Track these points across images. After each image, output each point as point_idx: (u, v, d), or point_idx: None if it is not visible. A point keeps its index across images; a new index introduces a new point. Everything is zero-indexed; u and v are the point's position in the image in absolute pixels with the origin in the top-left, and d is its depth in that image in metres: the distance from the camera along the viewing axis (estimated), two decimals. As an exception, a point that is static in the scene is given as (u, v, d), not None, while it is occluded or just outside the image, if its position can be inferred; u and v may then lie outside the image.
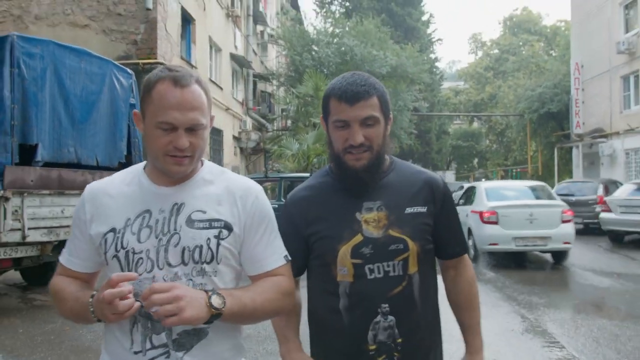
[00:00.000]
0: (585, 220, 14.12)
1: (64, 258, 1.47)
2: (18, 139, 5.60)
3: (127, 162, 7.20)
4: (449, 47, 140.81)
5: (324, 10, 39.87)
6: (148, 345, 1.34)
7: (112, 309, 1.20)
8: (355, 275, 1.55)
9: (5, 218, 5.32)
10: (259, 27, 27.30)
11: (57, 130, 6.04)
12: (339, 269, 1.55)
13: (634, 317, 6.02)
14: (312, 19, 64.54)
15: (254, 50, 25.23)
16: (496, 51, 51.01)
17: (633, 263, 10.03)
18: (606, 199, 12.63)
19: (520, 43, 48.22)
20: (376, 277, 1.55)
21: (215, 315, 1.27)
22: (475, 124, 51.03)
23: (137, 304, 1.21)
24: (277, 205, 10.32)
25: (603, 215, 12.37)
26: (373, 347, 1.55)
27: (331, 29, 27.70)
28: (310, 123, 17.37)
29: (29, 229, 5.58)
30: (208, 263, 1.37)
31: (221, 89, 19.14)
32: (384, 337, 1.55)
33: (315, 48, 24.82)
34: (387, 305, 1.54)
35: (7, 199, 5.33)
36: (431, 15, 45.09)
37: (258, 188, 1.49)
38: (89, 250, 1.42)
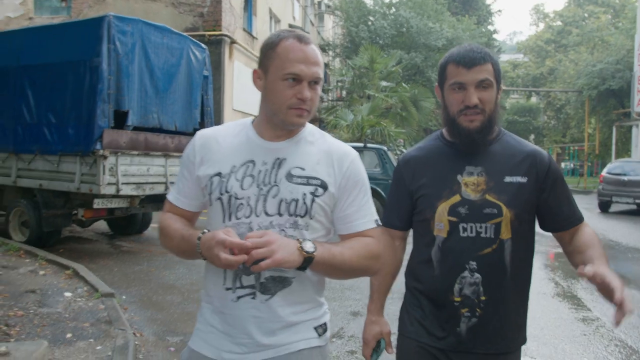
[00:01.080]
0: (637, 201, 14.19)
1: (172, 196, 1.57)
2: (113, 105, 6.48)
3: (201, 128, 8.05)
4: (509, 19, 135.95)
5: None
6: (238, 284, 1.44)
7: (217, 257, 1.31)
8: (449, 231, 1.65)
9: (104, 173, 6.26)
10: (317, -3, 27.68)
11: (143, 98, 6.90)
12: (436, 224, 1.67)
13: (664, 289, 6.44)
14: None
15: (311, 21, 25.73)
16: (559, 23, 49.05)
17: (679, 242, 10.21)
18: (658, 178, 12.66)
19: (586, 15, 46.21)
20: (468, 236, 1.64)
21: (307, 259, 1.35)
22: (533, 99, 49.65)
23: (238, 257, 1.29)
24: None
25: (654, 195, 12.44)
26: (458, 299, 1.65)
27: (387, -1, 27.84)
28: (365, 95, 17.85)
29: (122, 184, 6.51)
30: (302, 217, 1.44)
31: (279, 59, 19.81)
32: (469, 291, 1.64)
33: (372, 19, 25.03)
34: (475, 263, 1.63)
35: (105, 157, 6.26)
36: (491, -15, 43.76)
37: (355, 153, 1.57)
38: (195, 189, 1.51)
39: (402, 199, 1.75)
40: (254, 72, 1.48)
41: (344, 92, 24.79)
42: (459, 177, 1.67)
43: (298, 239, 1.38)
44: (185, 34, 8.45)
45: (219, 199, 1.44)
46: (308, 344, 1.49)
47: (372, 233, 1.53)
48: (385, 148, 11.70)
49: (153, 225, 9.26)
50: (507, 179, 1.66)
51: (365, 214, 1.53)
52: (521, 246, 1.68)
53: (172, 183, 7.30)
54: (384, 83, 18.43)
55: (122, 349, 3.69)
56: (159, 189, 7.18)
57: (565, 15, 48.60)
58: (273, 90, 1.41)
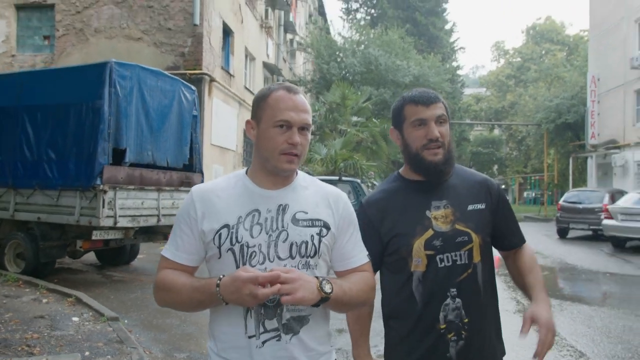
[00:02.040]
0: (591, 227, 15.23)
1: (169, 253, 1.56)
2: (112, 144, 7.02)
3: (190, 164, 8.63)
4: (472, 53, 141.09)
5: (350, 17, 41.23)
6: (261, 330, 1.47)
7: (253, 297, 1.34)
8: (427, 264, 1.74)
9: (103, 207, 6.74)
10: (289, 36, 28.67)
11: (139, 137, 7.45)
12: (414, 260, 1.75)
13: (609, 305, 7.25)
14: (338, 27, 65.79)
15: (283, 58, 26.63)
16: (518, 59, 51.30)
17: (628, 265, 11.09)
18: (609, 207, 13.67)
19: (543, 52, 48.53)
20: (445, 265, 1.74)
21: (324, 298, 1.43)
22: (496, 131, 51.26)
23: (274, 288, 1.35)
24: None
25: (605, 222, 13.43)
26: (443, 326, 1.73)
27: (357, 36, 29.03)
28: (337, 129, 18.64)
29: (119, 216, 7.00)
30: (312, 257, 1.52)
31: (254, 95, 20.54)
32: (452, 317, 1.74)
33: (342, 56, 26.08)
34: (454, 289, 1.74)
35: (105, 192, 6.76)
36: (454, 24, 45.85)
37: (345, 195, 1.68)
38: (196, 245, 1.53)
39: (372, 242, 1.78)
40: (247, 122, 1.57)
41: (314, 127, 25.59)
42: (427, 212, 1.78)
43: (317, 278, 1.46)
44: (166, 72, 9.06)
45: (230, 249, 1.48)
46: None
47: (367, 267, 1.65)
48: (358, 181, 12.46)
49: (140, 256, 9.67)
50: (470, 207, 1.81)
51: (360, 250, 1.65)
52: (488, 266, 1.82)
53: (164, 215, 7.82)
54: (355, 118, 19.31)
55: (139, 362, 4.18)
56: (152, 221, 7.68)
57: (524, 52, 50.89)
58: (265, 137, 1.50)
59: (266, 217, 1.51)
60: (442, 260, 1.75)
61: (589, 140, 24.94)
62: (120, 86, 7.05)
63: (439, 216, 1.78)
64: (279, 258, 1.49)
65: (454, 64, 39.34)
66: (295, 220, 1.53)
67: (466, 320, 1.75)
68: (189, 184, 8.39)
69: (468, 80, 65.82)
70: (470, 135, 46.97)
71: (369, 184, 15.76)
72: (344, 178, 12.28)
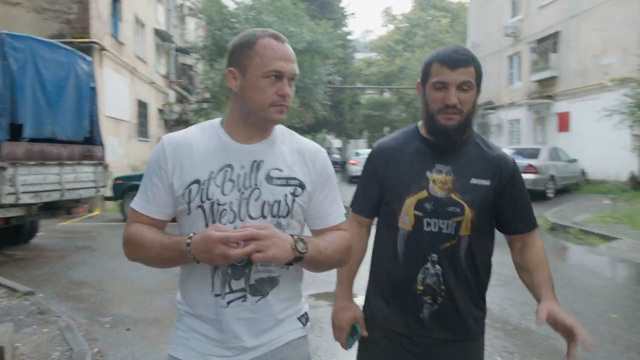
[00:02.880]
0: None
1: (139, 205, 1.48)
2: (9, 119, 6.81)
3: (90, 137, 8.53)
4: (362, 19, 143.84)
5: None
6: (227, 289, 1.43)
7: (224, 257, 1.28)
8: (414, 225, 1.71)
9: (3, 184, 6.59)
10: (179, 0, 27.81)
11: (37, 111, 7.26)
12: (402, 217, 1.73)
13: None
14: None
15: (174, 24, 25.87)
16: (406, 25, 53.21)
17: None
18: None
19: (429, 18, 50.79)
20: (432, 231, 1.70)
21: (297, 257, 1.38)
22: (386, 94, 53.16)
23: (246, 248, 1.28)
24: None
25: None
26: (421, 287, 1.73)
27: (249, 1, 28.77)
28: (234, 97, 18.67)
29: (21, 193, 6.87)
30: (284, 217, 1.46)
31: (146, 63, 19.97)
32: (431, 281, 1.72)
33: (235, 22, 25.83)
34: (436, 255, 1.71)
35: (4, 169, 6.59)
36: (345, -11, 46.61)
37: (323, 150, 1.60)
38: (167, 198, 1.45)
39: (373, 187, 1.79)
40: (229, 72, 1.46)
41: (207, 94, 25.22)
42: (428, 173, 1.72)
43: (292, 235, 1.40)
44: (51, 40, 8.75)
45: (200, 206, 1.41)
46: (295, 334, 1.55)
47: (344, 226, 1.61)
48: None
49: (39, 233, 9.42)
50: (473, 180, 1.72)
51: (337, 208, 1.60)
52: (478, 243, 1.75)
53: (67, 190, 7.74)
54: (251, 85, 19.39)
55: (67, 328, 4.38)
56: (55, 196, 7.57)
57: (411, 18, 52.85)
58: (254, 88, 1.41)
59: (239, 174, 1.44)
60: (428, 224, 1.71)
61: (470, 102, 26.96)
62: (13, 59, 6.81)
63: (438, 180, 1.72)
64: (250, 217, 1.43)
65: (345, 29, 40.16)
66: (269, 178, 1.46)
67: (443, 287, 1.73)
68: (91, 157, 8.33)
69: (359, 45, 67.21)
70: (362, 99, 48.37)
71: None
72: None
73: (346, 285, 1.87)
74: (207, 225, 1.41)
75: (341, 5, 40.74)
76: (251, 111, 1.45)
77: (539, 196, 14.21)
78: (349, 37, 41.07)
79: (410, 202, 1.72)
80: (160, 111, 21.86)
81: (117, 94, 16.17)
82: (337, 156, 42.17)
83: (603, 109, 13.56)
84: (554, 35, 19.72)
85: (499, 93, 24.44)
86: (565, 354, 1.56)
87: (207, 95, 25.15)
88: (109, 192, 10.47)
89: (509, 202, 1.77)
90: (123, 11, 17.38)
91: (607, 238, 8.87)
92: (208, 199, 1.42)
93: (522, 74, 22.49)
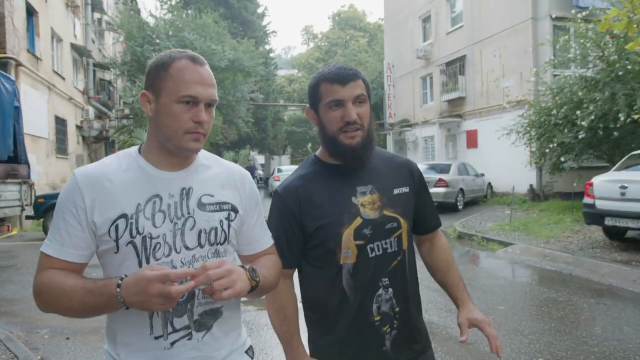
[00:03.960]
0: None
1: (52, 249, 1.32)
2: None
3: (15, 155, 8.55)
4: (284, 35, 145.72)
5: (161, -4, 40.18)
6: (170, 329, 1.33)
7: (163, 298, 1.16)
8: (358, 255, 1.62)
9: None
10: (96, 15, 27.36)
11: (-40, 130, 7.29)
12: (344, 252, 1.61)
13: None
14: (151, 9, 62.99)
15: (92, 39, 25.43)
16: (326, 44, 54.57)
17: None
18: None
19: (347, 37, 52.53)
20: (377, 255, 1.64)
21: (253, 287, 1.33)
22: (309, 111, 54.04)
23: (189, 284, 1.19)
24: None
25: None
26: (378, 318, 1.64)
27: (169, 16, 28.76)
28: (158, 114, 18.73)
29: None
30: (221, 244, 1.40)
31: (63, 79, 19.58)
32: (386, 308, 1.65)
33: (157, 40, 25.77)
34: (386, 279, 1.65)
35: None
36: (266, 8, 47.46)
37: (249, 173, 1.56)
38: (86, 238, 1.32)
39: (292, 235, 1.64)
40: (142, 94, 1.37)
41: (126, 110, 24.87)
42: (353, 199, 1.64)
43: (244, 267, 1.34)
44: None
45: (130, 242, 1.30)
46: None
47: (273, 249, 1.58)
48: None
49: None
50: (395, 191, 1.70)
51: (266, 232, 1.56)
52: (412, 250, 1.75)
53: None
54: (174, 102, 19.53)
55: (8, 339, 4.60)
56: (-22, 215, 7.57)
57: (330, 37, 54.35)
58: (167, 113, 1.33)
59: (169, 203, 1.35)
60: (372, 249, 1.64)
61: (387, 119, 28.41)
62: (-64, 78, 6.83)
63: (366, 202, 1.65)
64: (187, 248, 1.35)
65: (267, 47, 40.85)
66: (201, 205, 1.39)
67: (397, 309, 1.68)
68: (15, 175, 8.35)
69: (280, 61, 68.03)
70: (284, 115, 49.05)
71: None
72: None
73: (295, 347, 1.68)
74: (140, 263, 1.31)
75: (263, 23, 41.42)
76: (166, 137, 1.35)
77: (451, 208, 15.40)
78: (270, 54, 41.80)
79: (347, 234, 1.62)
80: (79, 128, 21.40)
81: (34, 111, 15.81)
82: (260, 172, 42.47)
83: (502, 127, 14.97)
84: (461, 59, 21.34)
85: (414, 111, 25.92)
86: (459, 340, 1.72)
87: (127, 111, 24.85)
88: (29, 211, 10.37)
89: (421, 203, 1.80)
90: (39, 26, 17.06)
91: (504, 244, 9.95)
92: (139, 233, 1.31)
93: (434, 94, 24.03)
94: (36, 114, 16.06)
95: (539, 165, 14.47)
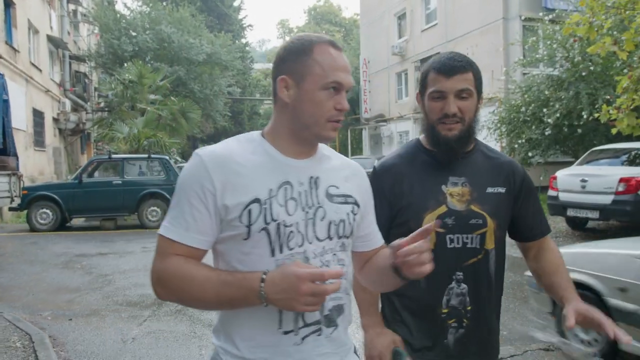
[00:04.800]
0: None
1: (177, 234, 1.23)
2: None
3: (4, 148, 8.74)
4: (259, 29, 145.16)
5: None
6: (300, 324, 1.27)
7: (313, 297, 1.13)
8: (436, 243, 1.60)
9: None
10: (71, 6, 27.14)
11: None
12: None
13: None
14: (126, 1, 62.41)
15: (68, 31, 25.27)
16: (302, 38, 55.06)
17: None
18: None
19: (323, 32, 52.96)
20: (455, 247, 1.62)
21: None
22: (285, 105, 54.21)
23: (337, 284, 1.18)
24: (121, 181, 12.21)
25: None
26: (445, 310, 1.63)
27: (146, 9, 28.71)
28: (137, 108, 18.87)
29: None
30: (347, 237, 1.36)
31: (40, 71, 19.53)
32: (456, 302, 1.63)
33: (134, 33, 25.76)
34: (461, 273, 1.63)
35: None
36: (242, 2, 47.40)
37: (363, 169, 1.52)
38: (211, 224, 1.24)
39: (381, 211, 1.62)
40: (281, 80, 1.29)
41: (102, 104, 24.77)
42: (443, 187, 1.65)
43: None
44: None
45: (264, 229, 1.23)
46: None
47: (385, 246, 1.51)
48: (167, 157, 13.32)
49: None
50: (489, 189, 1.67)
51: (378, 229, 1.53)
52: (501, 255, 1.71)
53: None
54: (152, 96, 19.70)
55: (16, 319, 4.92)
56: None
57: (306, 31, 54.94)
58: (311, 100, 1.27)
59: (299, 191, 1.30)
60: (452, 240, 1.63)
61: (362, 114, 28.95)
62: None
63: (455, 193, 1.65)
64: (318, 239, 1.30)
65: (243, 40, 40.96)
66: (329, 196, 1.34)
67: (469, 308, 1.65)
68: (5, 167, 8.56)
69: (255, 54, 67.79)
70: (261, 109, 49.22)
71: (174, 160, 16.59)
72: (153, 156, 13.02)
73: (372, 313, 1.71)
74: (272, 251, 1.24)
75: (239, 17, 41.51)
76: (305, 125, 1.30)
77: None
78: (247, 48, 41.92)
79: (429, 219, 1.60)
80: (56, 120, 21.34)
81: (13, 103, 15.74)
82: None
83: (475, 123, 15.54)
84: (435, 56, 21.92)
85: (390, 107, 26.49)
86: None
87: (102, 104, 24.80)
88: (17, 202, 10.55)
89: (524, 209, 1.74)
90: (17, 17, 17.01)
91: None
92: (273, 219, 1.24)
93: (409, 89, 24.63)
94: (15, 106, 15.93)
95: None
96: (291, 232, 1.25)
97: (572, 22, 8.24)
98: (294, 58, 1.29)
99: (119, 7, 30.16)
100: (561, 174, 9.20)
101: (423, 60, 22.76)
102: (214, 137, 38.61)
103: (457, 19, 20.48)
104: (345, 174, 1.41)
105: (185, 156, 28.85)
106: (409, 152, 1.75)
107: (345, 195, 1.37)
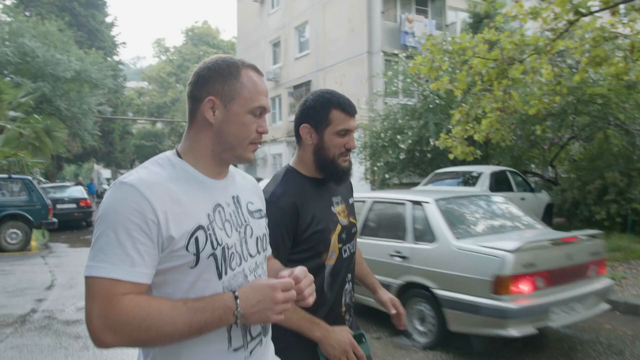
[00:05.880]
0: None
1: (122, 272, 1.12)
2: None
3: None
4: (134, 46, 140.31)
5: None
6: (248, 338, 1.31)
7: (285, 305, 1.22)
8: (337, 257, 1.84)
9: None
10: None
11: None
12: (330, 254, 1.81)
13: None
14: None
15: None
16: (178, 58, 53.97)
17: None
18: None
19: (201, 53, 52.35)
20: (347, 256, 1.89)
21: None
22: (159, 125, 52.79)
23: (294, 292, 1.26)
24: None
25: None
26: (343, 309, 1.91)
27: (6, 18, 26.88)
28: (-5, 125, 17.72)
29: None
30: (265, 250, 1.44)
31: None
32: (348, 299, 1.93)
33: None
34: (350, 274, 1.93)
35: None
36: (115, 18, 46.06)
37: None
38: (156, 256, 1.17)
39: (287, 238, 1.73)
40: (209, 101, 1.29)
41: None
42: (332, 208, 1.87)
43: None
44: None
45: (212, 254, 1.24)
46: None
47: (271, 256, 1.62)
48: (30, 178, 12.81)
49: None
50: (351, 200, 2.01)
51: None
52: None
53: None
54: (12, 113, 18.61)
55: None
56: None
57: (183, 52, 53.89)
58: (237, 123, 1.29)
59: (229, 212, 1.33)
60: (345, 251, 1.88)
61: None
62: None
63: (340, 211, 1.89)
64: (251, 256, 1.35)
65: (116, 57, 39.68)
66: (250, 213, 1.40)
67: (353, 300, 1.98)
68: None
69: (129, 71, 65.57)
70: (133, 128, 47.67)
71: (37, 181, 15.82)
72: (14, 176, 12.46)
73: (319, 323, 1.75)
74: (219, 275, 1.25)
75: (112, 33, 40.16)
76: (228, 147, 1.32)
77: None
78: (120, 66, 40.61)
79: (334, 238, 1.82)
80: None
81: None
82: (106, 186, 40.87)
83: (342, 148, 16.70)
84: (307, 84, 23.11)
85: (264, 130, 27.17)
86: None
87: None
88: None
89: None
90: None
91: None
92: (219, 244, 1.26)
93: (283, 114, 25.55)
94: None
95: (370, 180, 16.44)
96: (232, 253, 1.29)
97: (417, 62, 9.52)
98: (221, 80, 1.30)
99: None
100: (408, 194, 10.39)
101: (296, 87, 23.90)
102: (82, 157, 36.78)
103: (327, 50, 21.82)
104: (250, 188, 1.49)
105: (49, 176, 27.26)
106: (295, 182, 1.84)
107: (259, 210, 1.46)
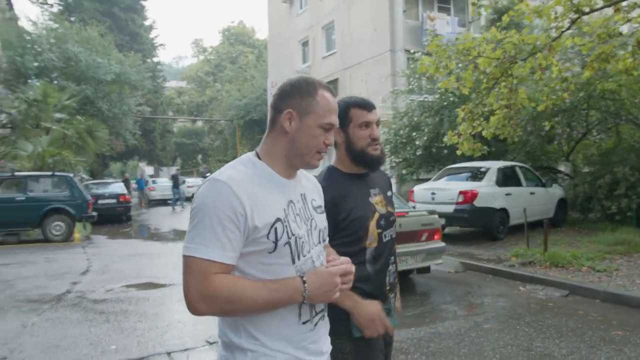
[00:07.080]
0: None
1: (216, 255, 1.38)
2: None
3: None
4: (175, 45, 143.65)
5: (41, 1, 38.81)
6: (313, 313, 1.54)
7: (343, 286, 1.51)
8: (378, 240, 2.05)
9: None
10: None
11: None
12: (369, 239, 2.02)
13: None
14: (31, 16, 59.68)
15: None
16: (216, 58, 55.20)
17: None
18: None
19: (237, 53, 53.46)
20: (388, 240, 2.11)
21: None
22: (199, 123, 53.93)
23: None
24: (24, 197, 12.68)
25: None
26: (388, 287, 2.10)
27: (51, 23, 28.25)
28: (41, 126, 19.00)
29: None
30: (324, 241, 1.66)
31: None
32: (392, 279, 2.13)
33: (39, 49, 25.48)
34: (392, 257, 2.13)
35: None
36: (154, 21, 47.58)
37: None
38: (242, 242, 1.42)
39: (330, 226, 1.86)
40: (287, 113, 1.51)
41: (4, 120, 24.29)
42: (370, 199, 2.07)
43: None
44: None
45: (287, 243, 1.46)
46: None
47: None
48: (71, 175, 13.91)
49: None
50: (389, 193, 2.21)
51: None
52: None
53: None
54: (58, 115, 19.88)
55: None
56: None
57: (220, 52, 54.81)
58: (308, 134, 1.52)
59: (299, 207, 1.55)
60: (384, 236, 2.07)
61: (270, 134, 30.14)
62: None
63: (377, 202, 2.08)
64: (315, 245, 1.57)
65: (155, 59, 41.01)
66: (315, 208, 1.62)
67: (397, 280, 2.18)
68: None
69: (171, 70, 67.00)
70: (174, 127, 49.00)
71: (80, 178, 16.99)
72: (57, 173, 13.57)
73: (352, 295, 1.89)
74: (293, 260, 1.48)
75: (150, 36, 41.50)
76: (298, 153, 1.53)
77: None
78: (159, 66, 41.89)
79: (372, 225, 2.01)
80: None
81: None
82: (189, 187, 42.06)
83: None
84: (335, 82, 23.70)
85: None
86: None
87: (4, 121, 24.30)
88: None
89: None
90: None
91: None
92: (293, 234, 1.48)
93: (312, 111, 26.16)
94: None
95: (391, 176, 16.95)
96: (303, 242, 1.51)
97: (424, 62, 10.01)
98: (300, 96, 1.52)
99: (22, 22, 29.46)
100: (417, 188, 10.90)
101: (324, 85, 24.46)
102: (126, 155, 38.22)
103: (353, 49, 22.36)
104: (313, 187, 1.71)
105: (95, 173, 28.67)
106: (336, 177, 2.07)
107: (320, 206, 1.67)
